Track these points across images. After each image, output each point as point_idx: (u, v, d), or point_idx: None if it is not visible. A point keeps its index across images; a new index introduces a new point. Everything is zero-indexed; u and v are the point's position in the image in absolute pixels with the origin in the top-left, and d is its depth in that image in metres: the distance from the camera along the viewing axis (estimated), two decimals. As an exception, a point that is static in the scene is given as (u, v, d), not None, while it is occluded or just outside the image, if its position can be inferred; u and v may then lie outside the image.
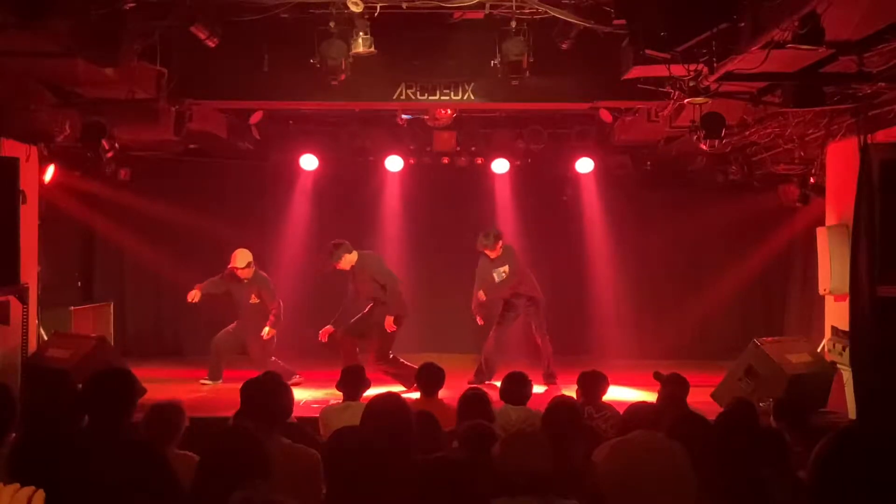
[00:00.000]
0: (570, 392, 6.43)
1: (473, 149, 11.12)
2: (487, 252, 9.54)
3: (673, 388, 5.94)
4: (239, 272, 9.36)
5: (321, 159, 10.92)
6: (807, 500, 2.14)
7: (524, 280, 9.68)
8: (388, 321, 9.00)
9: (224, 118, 9.59)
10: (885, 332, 7.18)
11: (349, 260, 9.19)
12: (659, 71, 6.39)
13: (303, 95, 7.99)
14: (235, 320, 9.60)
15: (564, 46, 6.91)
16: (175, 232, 10.87)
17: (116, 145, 7.67)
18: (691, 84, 6.36)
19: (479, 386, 7.78)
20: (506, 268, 9.55)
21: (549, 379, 9.47)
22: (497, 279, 9.57)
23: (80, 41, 5.70)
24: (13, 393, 4.18)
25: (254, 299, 9.46)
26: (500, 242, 9.56)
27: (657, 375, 6.43)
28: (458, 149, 11.03)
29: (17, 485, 2.28)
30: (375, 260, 9.43)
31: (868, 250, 7.10)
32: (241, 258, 9.36)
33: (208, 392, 8.96)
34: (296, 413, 5.62)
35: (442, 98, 7.86)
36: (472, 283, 9.83)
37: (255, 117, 9.79)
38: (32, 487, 2.27)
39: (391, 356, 9.13)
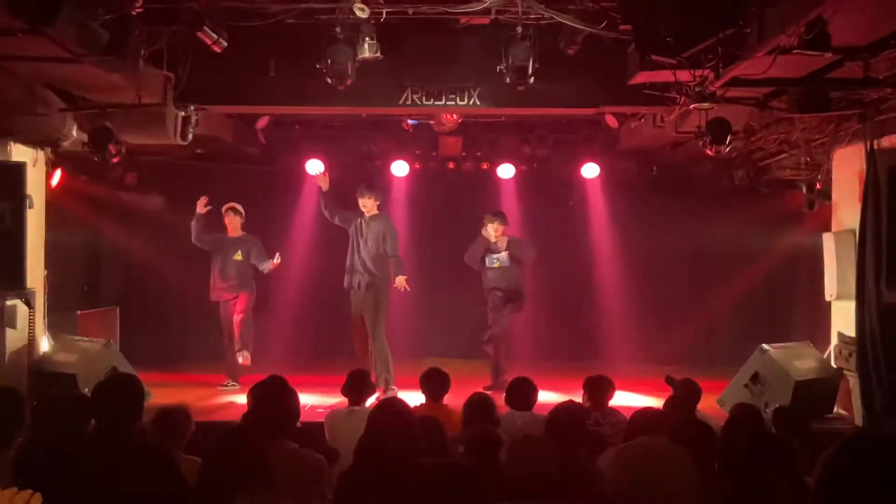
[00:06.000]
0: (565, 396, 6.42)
1: (479, 154, 11.14)
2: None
3: (684, 393, 5.92)
4: (231, 219, 9.45)
5: (327, 164, 10.93)
6: (813, 507, 2.13)
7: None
8: (401, 280, 8.81)
9: (230, 123, 9.62)
10: (891, 338, 7.16)
11: (372, 206, 8.97)
12: (665, 76, 6.40)
13: (309, 100, 8.00)
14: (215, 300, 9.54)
15: (570, 52, 6.91)
16: (181, 236, 10.83)
17: (123, 150, 7.68)
18: (697, 89, 6.37)
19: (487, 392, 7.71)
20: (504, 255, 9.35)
21: (500, 384, 8.36)
22: (488, 264, 9.38)
23: (87, 46, 5.72)
24: (21, 397, 4.19)
25: (238, 256, 9.47)
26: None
27: (669, 380, 6.40)
28: (464, 154, 11.06)
29: (15, 489, 2.27)
30: (393, 226, 9.13)
31: (875, 256, 7.09)
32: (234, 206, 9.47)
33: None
34: (301, 418, 5.64)
35: (448, 103, 7.86)
36: (474, 288, 9.79)
37: (262, 122, 9.81)
38: (30, 491, 2.27)
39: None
